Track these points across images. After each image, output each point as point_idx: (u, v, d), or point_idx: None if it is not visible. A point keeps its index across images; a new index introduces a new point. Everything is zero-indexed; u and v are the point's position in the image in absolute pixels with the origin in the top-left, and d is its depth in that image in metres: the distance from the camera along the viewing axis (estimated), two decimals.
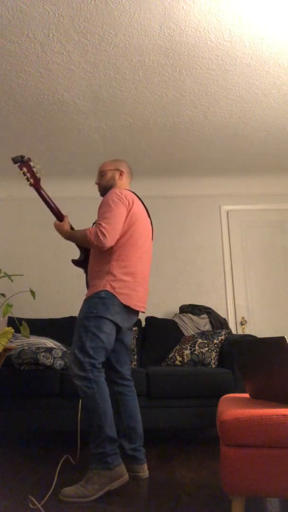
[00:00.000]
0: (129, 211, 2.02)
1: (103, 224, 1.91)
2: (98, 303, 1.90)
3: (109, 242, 1.90)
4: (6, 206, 4.28)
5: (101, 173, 2.23)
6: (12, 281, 2.72)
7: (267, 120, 3.21)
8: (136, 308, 1.99)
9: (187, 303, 3.99)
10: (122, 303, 1.92)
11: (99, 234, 1.89)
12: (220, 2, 2.13)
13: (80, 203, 4.24)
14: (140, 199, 2.20)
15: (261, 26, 2.28)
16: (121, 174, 2.21)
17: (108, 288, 1.91)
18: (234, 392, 2.61)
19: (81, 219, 4.25)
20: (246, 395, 1.88)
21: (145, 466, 2.00)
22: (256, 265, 4.10)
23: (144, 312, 2.10)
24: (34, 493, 1.76)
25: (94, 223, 2.10)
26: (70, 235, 2.07)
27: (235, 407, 1.50)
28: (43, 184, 4.21)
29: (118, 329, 1.97)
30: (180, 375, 2.65)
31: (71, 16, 2.20)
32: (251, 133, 3.39)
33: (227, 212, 4.27)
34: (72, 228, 2.16)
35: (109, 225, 1.91)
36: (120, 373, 2.09)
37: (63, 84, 2.75)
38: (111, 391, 2.07)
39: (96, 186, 2.26)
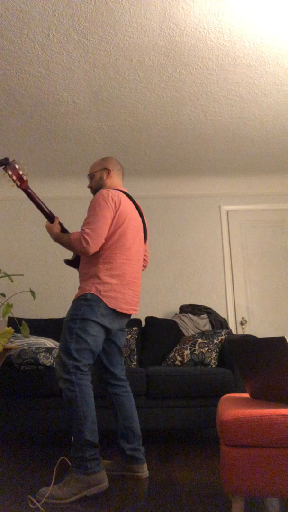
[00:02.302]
0: (116, 212, 1.98)
1: (86, 230, 1.89)
2: (83, 305, 1.89)
3: (92, 248, 1.89)
4: (6, 206, 4.28)
5: (90, 176, 2.22)
6: (12, 281, 2.72)
7: (267, 120, 3.21)
8: (123, 311, 1.96)
9: (187, 303, 3.99)
10: (108, 306, 1.91)
11: (82, 240, 1.88)
12: (220, 2, 2.13)
13: (80, 203, 4.25)
14: (131, 197, 2.16)
15: (261, 26, 2.28)
16: (109, 173, 2.18)
17: (94, 291, 1.90)
18: (234, 392, 2.61)
19: (81, 219, 4.26)
20: (246, 395, 1.88)
21: (145, 465, 2.00)
22: (256, 265, 4.10)
23: (136, 314, 2.07)
24: (34, 493, 1.76)
25: None
26: (58, 238, 2.04)
27: (235, 407, 1.51)
28: (44, 183, 4.22)
29: (107, 330, 1.96)
30: (180, 375, 2.65)
31: (71, 16, 2.20)
32: (251, 133, 3.39)
33: (227, 212, 4.27)
34: (63, 229, 2.12)
35: (92, 230, 1.89)
36: (113, 374, 2.08)
37: (63, 84, 2.75)
38: (106, 393, 2.08)
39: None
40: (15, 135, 3.37)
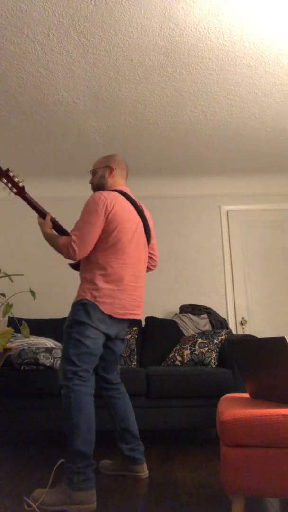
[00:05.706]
0: (107, 216, 1.92)
1: (73, 237, 1.88)
2: (80, 309, 1.87)
3: (78, 255, 1.88)
4: (6, 206, 4.28)
5: (93, 172, 2.18)
6: (12, 281, 2.72)
7: (267, 120, 3.21)
8: (118, 317, 1.91)
9: (187, 303, 3.99)
10: (103, 312, 1.87)
11: (69, 247, 1.87)
12: (220, 2, 2.13)
13: (80, 203, 4.24)
14: (130, 198, 2.09)
15: (261, 26, 2.28)
16: (111, 171, 2.13)
17: (89, 297, 1.87)
18: (234, 392, 2.61)
19: None
20: (246, 395, 1.88)
21: (145, 465, 2.00)
22: (256, 265, 4.10)
23: (136, 318, 2.01)
24: (30, 495, 1.76)
25: None
26: (48, 237, 2.02)
27: (235, 407, 1.50)
28: (44, 183, 4.22)
29: (106, 335, 1.93)
30: (180, 375, 2.65)
31: (71, 16, 2.20)
32: (251, 133, 3.38)
33: (227, 212, 4.27)
34: (58, 225, 2.10)
35: (78, 238, 1.87)
36: (106, 379, 2.07)
37: (63, 84, 2.75)
38: (101, 396, 2.07)
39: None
40: (15, 135, 3.37)
